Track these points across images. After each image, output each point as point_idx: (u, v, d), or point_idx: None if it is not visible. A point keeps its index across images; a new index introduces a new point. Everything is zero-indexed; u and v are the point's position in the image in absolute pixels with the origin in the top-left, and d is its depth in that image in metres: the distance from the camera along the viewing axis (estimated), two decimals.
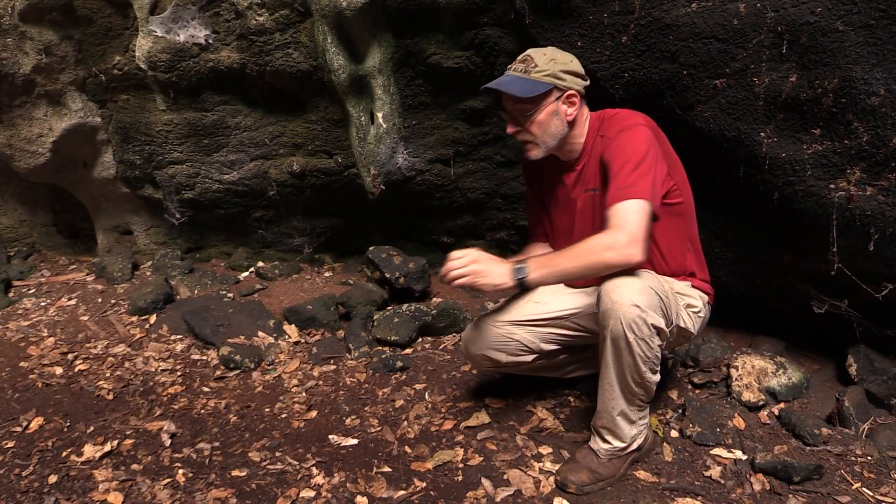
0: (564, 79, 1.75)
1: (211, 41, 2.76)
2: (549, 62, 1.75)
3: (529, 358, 1.95)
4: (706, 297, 1.92)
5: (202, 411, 2.17)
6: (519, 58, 1.80)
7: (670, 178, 1.76)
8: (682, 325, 1.77)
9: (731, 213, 2.25)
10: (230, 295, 3.09)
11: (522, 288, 1.71)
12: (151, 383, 2.35)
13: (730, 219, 2.28)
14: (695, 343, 2.35)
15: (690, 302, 1.84)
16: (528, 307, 1.91)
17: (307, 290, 3.17)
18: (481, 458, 1.89)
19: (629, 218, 1.58)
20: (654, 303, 1.61)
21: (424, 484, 1.79)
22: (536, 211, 2.07)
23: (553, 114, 1.77)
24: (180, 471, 1.85)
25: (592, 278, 1.69)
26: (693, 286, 1.88)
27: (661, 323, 1.61)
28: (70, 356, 2.54)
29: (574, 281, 1.84)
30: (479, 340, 1.94)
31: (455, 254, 1.70)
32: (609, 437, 1.77)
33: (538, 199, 2.05)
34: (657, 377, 1.70)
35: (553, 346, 1.93)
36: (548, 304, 1.89)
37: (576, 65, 1.79)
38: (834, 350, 2.34)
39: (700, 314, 1.86)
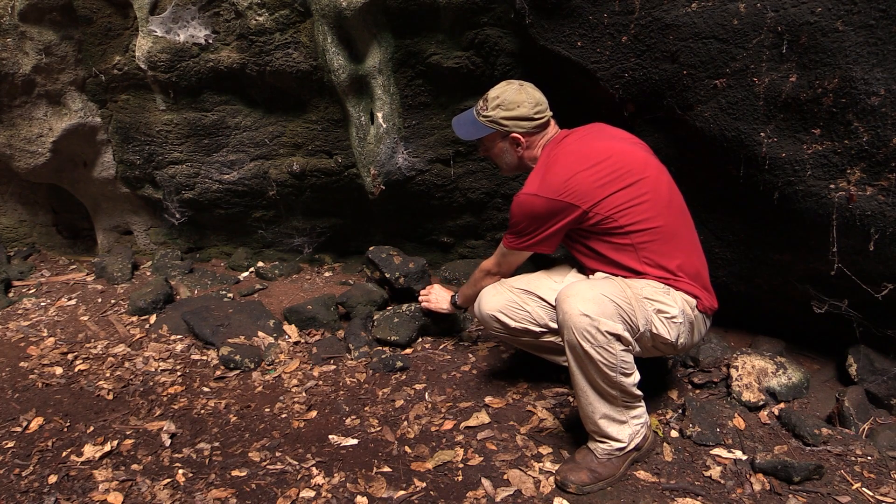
0: (505, 125, 1.96)
1: (211, 41, 2.76)
2: (495, 108, 1.96)
3: (536, 329, 2.03)
4: (693, 302, 1.84)
5: (202, 411, 2.17)
6: (484, 95, 2.01)
7: (592, 214, 1.81)
8: (655, 331, 1.75)
9: (731, 213, 2.25)
10: (230, 295, 3.09)
11: (458, 308, 2.44)
12: (151, 383, 2.35)
13: (730, 219, 2.28)
14: None
15: (662, 308, 1.77)
16: (546, 283, 2.05)
17: (307, 290, 3.17)
18: (481, 458, 1.89)
19: (498, 256, 2.11)
20: (608, 310, 1.62)
21: (424, 484, 1.79)
22: None
23: (503, 150, 2.04)
24: (180, 471, 1.85)
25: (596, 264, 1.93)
26: (676, 289, 1.82)
27: (619, 329, 1.62)
28: (70, 356, 2.54)
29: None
30: (494, 301, 2.07)
31: (423, 291, 2.55)
32: (602, 439, 1.77)
33: None
34: (632, 379, 1.70)
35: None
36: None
37: (522, 110, 1.93)
38: (834, 350, 2.34)
39: (676, 320, 1.78)
